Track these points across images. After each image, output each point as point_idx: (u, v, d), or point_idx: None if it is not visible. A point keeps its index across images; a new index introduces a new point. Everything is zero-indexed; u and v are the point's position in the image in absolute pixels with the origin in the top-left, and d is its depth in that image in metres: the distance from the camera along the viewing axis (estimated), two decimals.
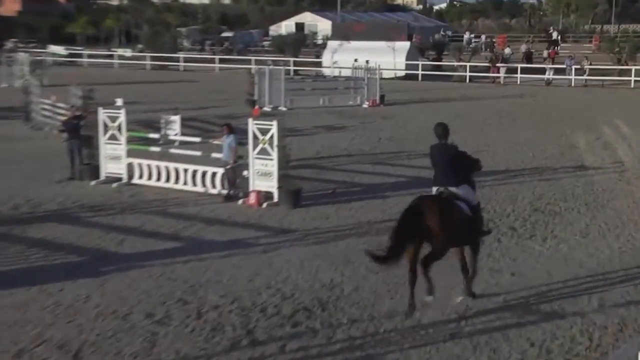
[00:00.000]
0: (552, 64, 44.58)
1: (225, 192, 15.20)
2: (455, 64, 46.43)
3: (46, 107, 23.73)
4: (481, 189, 15.96)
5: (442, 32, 71.97)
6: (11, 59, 39.52)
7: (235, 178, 15.13)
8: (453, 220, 8.75)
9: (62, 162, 18.88)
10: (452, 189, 9.18)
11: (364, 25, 53.17)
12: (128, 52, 61.67)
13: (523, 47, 59.46)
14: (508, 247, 12.13)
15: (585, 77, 41.70)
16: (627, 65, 44.14)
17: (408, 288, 8.93)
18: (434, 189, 9.41)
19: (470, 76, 43.48)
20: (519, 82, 41.59)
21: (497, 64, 43.84)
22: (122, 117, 16.57)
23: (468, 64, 44.83)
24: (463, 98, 34.51)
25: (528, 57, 52.26)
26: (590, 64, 43.09)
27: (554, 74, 42.61)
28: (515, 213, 14.26)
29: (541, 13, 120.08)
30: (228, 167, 15.12)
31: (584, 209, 14.66)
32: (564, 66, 42.59)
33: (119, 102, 17.89)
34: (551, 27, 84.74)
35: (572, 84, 41.20)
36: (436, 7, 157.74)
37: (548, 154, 20.37)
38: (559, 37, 73.18)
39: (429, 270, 8.75)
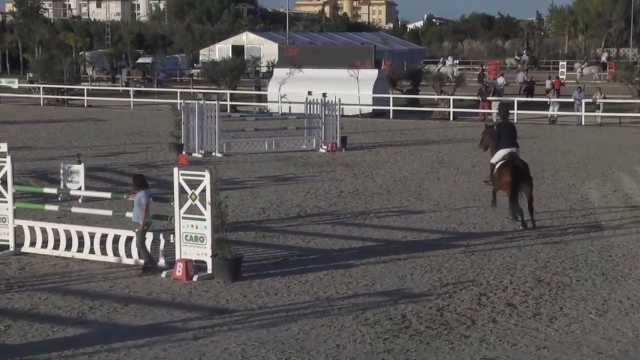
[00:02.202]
0: (557, 97, 45.62)
1: (142, 261, 15.19)
2: (436, 97, 47.28)
3: None
4: (470, 256, 16.24)
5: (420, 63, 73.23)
6: None
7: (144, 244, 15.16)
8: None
9: None
10: (515, 150, 19.53)
11: (320, 48, 53.98)
12: (14, 83, 61.48)
13: (520, 76, 60.96)
14: (506, 329, 12.30)
15: (598, 113, 42.76)
16: None
17: (512, 207, 18.65)
18: (507, 150, 19.41)
19: (454, 112, 44.25)
20: (515, 120, 42.40)
21: (488, 98, 44.72)
22: (7, 167, 16.49)
23: (451, 97, 45.67)
24: (446, 140, 35.09)
25: (529, 88, 53.46)
26: (604, 97, 44.25)
27: (559, 110, 43.60)
28: (513, 285, 14.48)
29: (542, 33, 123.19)
30: (137, 230, 15.16)
31: (600, 280, 14.95)
32: (571, 100, 43.61)
33: (3, 147, 17.80)
34: (599, 49, 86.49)
35: (583, 122, 42.21)
36: (410, 26, 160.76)
37: (554, 211, 20.77)
38: (607, 60, 74.70)
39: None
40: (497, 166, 19.40)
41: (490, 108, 44.08)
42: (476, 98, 45.89)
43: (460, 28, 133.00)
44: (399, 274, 15.05)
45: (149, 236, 15.29)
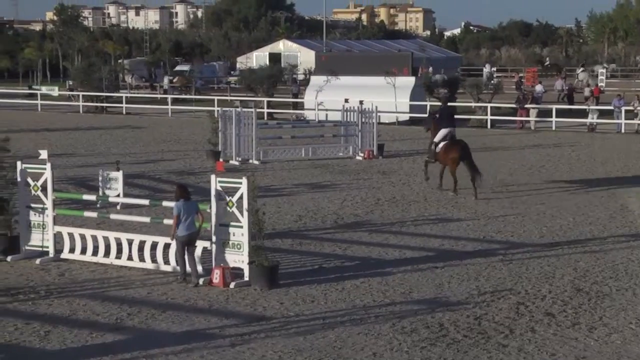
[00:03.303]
0: (596, 105, 45.25)
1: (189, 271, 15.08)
2: (473, 105, 47.09)
3: None
4: (508, 264, 16.15)
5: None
6: None
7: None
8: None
9: None
10: (453, 129, 23.20)
11: (357, 56, 53.98)
12: (55, 91, 62.14)
13: (558, 84, 60.50)
14: (544, 339, 12.20)
15: (637, 121, 42.35)
16: None
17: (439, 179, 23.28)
18: (446, 130, 22.97)
19: (491, 120, 44.06)
20: (554, 128, 42.17)
21: (526, 105, 44.48)
22: (47, 174, 16.66)
23: (489, 105, 45.47)
24: (483, 148, 34.90)
25: (570, 96, 53.07)
26: None
27: (598, 118, 43.24)
28: (552, 294, 14.37)
29: (580, 41, 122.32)
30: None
31: None
32: (611, 107, 43.25)
33: (44, 154, 17.99)
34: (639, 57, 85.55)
35: (622, 130, 41.82)
36: (448, 34, 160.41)
37: (593, 219, 20.60)
38: None
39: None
40: (440, 145, 23.32)
41: (528, 116, 43.84)
42: (514, 106, 45.62)
43: (498, 35, 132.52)
44: (436, 282, 14.99)
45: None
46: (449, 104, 24.65)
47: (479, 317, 13.05)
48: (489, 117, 44.17)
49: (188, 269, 14.93)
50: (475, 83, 49.50)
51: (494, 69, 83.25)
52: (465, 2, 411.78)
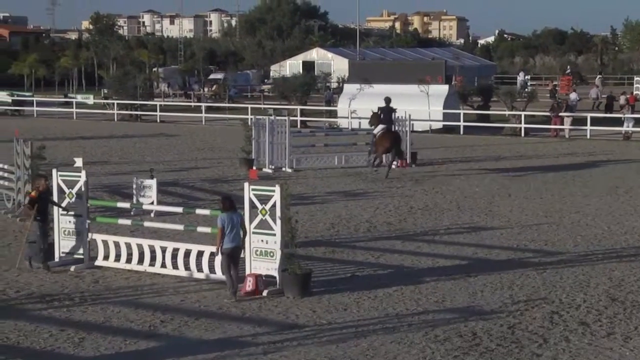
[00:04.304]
0: (632, 113, 44.86)
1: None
2: (507, 113, 46.87)
3: None
4: (542, 273, 16.03)
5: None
6: None
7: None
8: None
9: (5, 240, 19.08)
10: (390, 126, 29.13)
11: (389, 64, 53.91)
12: (90, 99, 62.67)
13: (593, 92, 60.08)
14: (579, 348, 12.11)
15: None
16: None
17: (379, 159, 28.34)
18: (383, 125, 28.72)
19: (525, 128, 43.84)
20: (588, 136, 41.86)
21: (560, 113, 44.20)
22: (82, 182, 16.80)
23: (523, 113, 45.24)
24: (517, 156, 34.75)
25: (609, 104, 52.63)
26: None
27: (634, 126, 42.86)
28: (587, 304, 14.26)
29: (616, 48, 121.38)
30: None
31: None
32: None
33: (79, 162, 18.15)
34: None
35: None
36: (482, 42, 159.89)
37: (628, 228, 20.41)
38: None
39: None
40: (378, 135, 28.54)
41: (562, 124, 43.55)
42: (548, 114, 45.34)
43: (532, 43, 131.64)
44: (470, 291, 14.93)
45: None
46: (390, 104, 29.67)
47: (512, 326, 12.97)
48: (523, 126, 43.93)
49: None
50: (509, 91, 49.19)
51: (528, 77, 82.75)
52: (499, 10, 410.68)
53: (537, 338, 12.47)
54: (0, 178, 22.95)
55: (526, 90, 54.09)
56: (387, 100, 30.17)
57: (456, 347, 12.04)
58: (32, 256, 16.57)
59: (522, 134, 43.40)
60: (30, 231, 16.72)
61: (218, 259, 15.11)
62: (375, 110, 30.01)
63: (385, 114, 29.47)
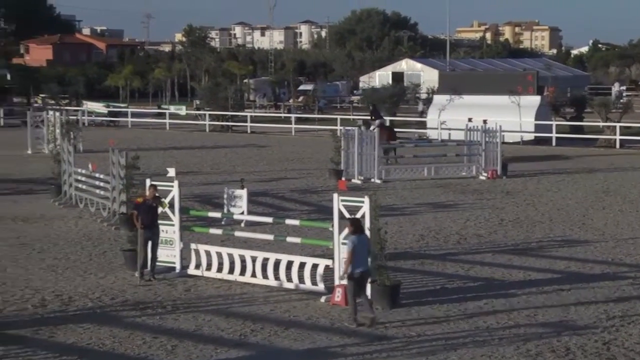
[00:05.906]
0: None
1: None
2: (601, 124, 46.01)
3: (81, 178, 24.61)
4: (639, 288, 15.63)
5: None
6: (39, 120, 41.27)
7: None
8: None
9: (101, 248, 19.52)
10: (383, 120, 37.89)
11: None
12: (182, 110, 63.74)
13: None
14: None
15: None
16: None
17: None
18: (378, 121, 35.14)
19: (620, 140, 42.96)
20: None
21: None
22: (174, 191, 17.06)
23: (618, 125, 44.34)
24: (612, 168, 34.06)
25: None
26: None
27: None
28: None
29: None
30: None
31: None
32: None
33: (171, 172, 18.44)
34: None
35: None
36: (575, 52, 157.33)
37: None
38: None
39: None
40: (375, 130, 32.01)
41: None
42: None
43: (627, 53, 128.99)
44: (562, 305, 14.67)
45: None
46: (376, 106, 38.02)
47: (607, 342, 12.70)
48: (618, 137, 43.07)
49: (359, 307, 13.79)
50: (603, 102, 48.28)
51: (624, 87, 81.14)
52: (593, 19, 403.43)
53: (634, 355, 12.18)
54: (97, 187, 23.47)
55: (621, 101, 53.00)
56: (374, 104, 38.83)
57: None
58: (141, 266, 16.60)
59: (617, 146, 42.56)
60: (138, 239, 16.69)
61: (340, 279, 14.51)
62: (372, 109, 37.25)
63: (376, 115, 36.01)
